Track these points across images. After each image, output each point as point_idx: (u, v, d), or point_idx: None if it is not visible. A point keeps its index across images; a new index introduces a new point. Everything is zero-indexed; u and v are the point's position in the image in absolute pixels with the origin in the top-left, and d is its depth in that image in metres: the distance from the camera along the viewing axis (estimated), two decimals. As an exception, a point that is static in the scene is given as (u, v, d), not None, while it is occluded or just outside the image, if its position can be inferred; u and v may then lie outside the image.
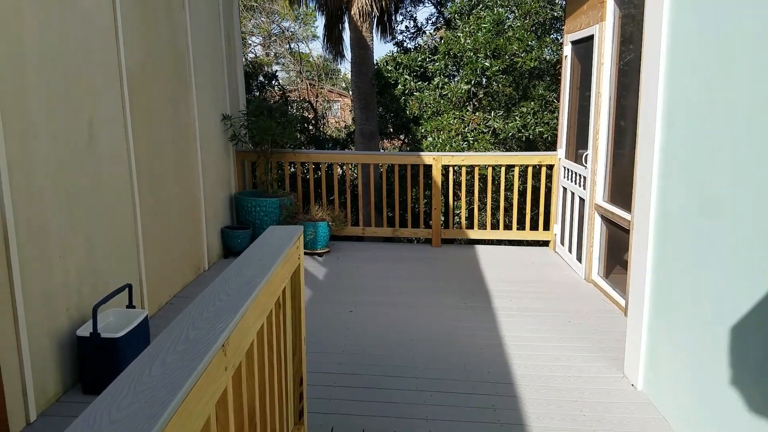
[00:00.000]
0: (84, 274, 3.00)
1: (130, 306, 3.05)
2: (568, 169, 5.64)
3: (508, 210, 6.63)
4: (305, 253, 5.57)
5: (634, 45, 4.45)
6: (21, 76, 2.58)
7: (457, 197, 7.02)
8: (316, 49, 26.72)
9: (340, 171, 8.32)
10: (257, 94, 9.35)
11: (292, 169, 6.38)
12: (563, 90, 5.75)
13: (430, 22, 10.06)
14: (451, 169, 6.04)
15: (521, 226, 6.21)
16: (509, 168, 6.50)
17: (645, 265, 3.08)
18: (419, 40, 9.52)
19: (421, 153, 6.01)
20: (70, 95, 2.95)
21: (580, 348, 3.59)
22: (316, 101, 13.03)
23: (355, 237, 6.27)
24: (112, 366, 2.64)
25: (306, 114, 10.93)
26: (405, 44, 9.39)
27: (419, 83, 7.54)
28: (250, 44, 18.24)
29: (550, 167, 6.04)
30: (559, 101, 5.57)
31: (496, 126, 6.93)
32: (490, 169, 6.03)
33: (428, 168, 6.09)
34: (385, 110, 8.88)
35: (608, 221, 4.68)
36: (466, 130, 6.89)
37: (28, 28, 2.63)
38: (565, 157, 5.79)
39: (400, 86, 7.62)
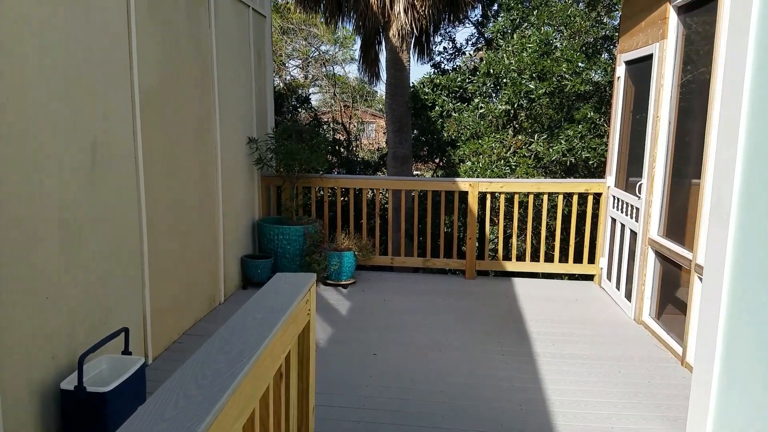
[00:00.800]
0: (78, 316, 2.79)
1: (126, 352, 2.83)
2: (617, 199, 5.22)
3: (549, 240, 6.21)
4: (329, 284, 5.31)
5: (698, 65, 4.05)
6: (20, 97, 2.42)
7: (493, 224, 6.64)
8: (353, 71, 26.92)
9: (370, 195, 8.08)
10: (289, 116, 9.28)
11: (321, 194, 6.16)
12: (614, 113, 5.36)
13: (469, 42, 9.84)
14: (488, 195, 5.70)
15: (563, 258, 5.78)
16: (551, 195, 6.11)
17: (717, 317, 2.65)
18: (458, 62, 9.29)
19: (457, 179, 5.70)
20: (74, 117, 2.80)
21: (633, 405, 3.16)
22: (350, 123, 12.93)
23: (383, 267, 5.98)
24: (99, 424, 2.40)
25: (338, 136, 10.82)
26: (443, 66, 9.19)
27: (457, 104, 7.27)
28: (288, 67, 18.52)
29: (597, 196, 5.62)
30: (608, 125, 5.17)
31: (539, 150, 6.56)
32: (531, 197, 5.65)
33: (464, 194, 5.77)
34: (420, 133, 8.63)
35: (663, 258, 4.24)
36: (507, 154, 6.54)
37: (31, 42, 2.48)
38: (615, 186, 5.37)
39: (437, 108, 7.37)
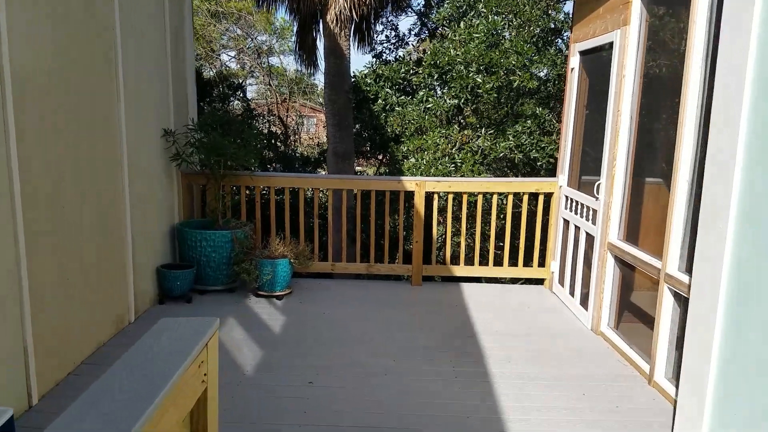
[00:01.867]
0: None
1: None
2: (570, 199, 4.95)
3: (498, 243, 5.91)
4: (261, 296, 4.75)
5: (665, 55, 3.79)
6: None
7: (440, 228, 6.29)
8: (292, 63, 26.04)
9: (309, 194, 7.56)
10: (220, 107, 8.55)
11: (253, 194, 5.55)
12: (567, 107, 5.08)
13: (412, 32, 9.45)
14: (435, 196, 5.30)
15: (513, 261, 5.48)
16: (501, 195, 5.80)
17: (710, 346, 2.33)
18: (400, 52, 8.88)
19: (403, 178, 5.28)
20: None
21: (604, 437, 2.83)
22: (287, 116, 12.27)
23: (323, 274, 5.46)
24: None
25: (275, 129, 10.15)
26: (384, 56, 8.75)
27: (402, 98, 6.85)
28: (222, 57, 17.57)
29: (548, 196, 5.34)
30: (558, 122, 4.87)
31: (485, 146, 6.24)
32: (480, 197, 5.31)
33: (410, 194, 5.36)
34: (362, 127, 8.16)
35: (624, 264, 3.98)
36: (453, 150, 6.18)
37: None
38: (567, 185, 5.11)
39: (380, 101, 6.91)
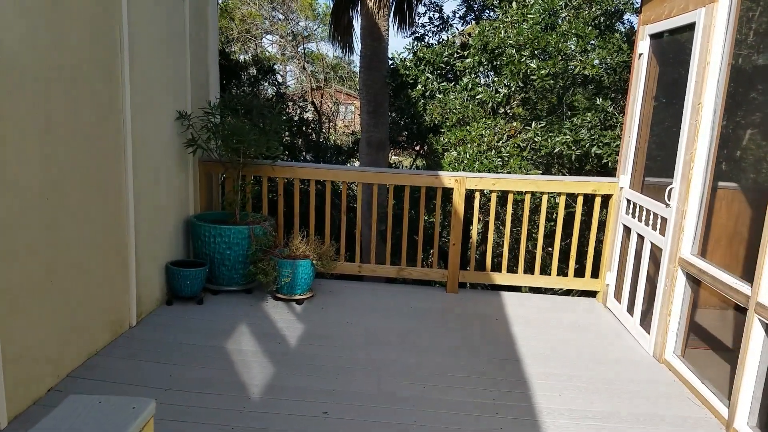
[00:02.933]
0: None
1: None
2: (633, 203, 4.37)
3: (546, 249, 5.35)
4: (280, 299, 4.38)
5: (763, 38, 3.17)
6: None
7: (482, 229, 5.78)
8: (333, 50, 25.62)
9: (337, 186, 7.12)
10: (249, 91, 8.22)
11: (276, 185, 5.15)
12: (632, 99, 4.48)
13: (457, 15, 8.86)
14: (477, 193, 4.79)
15: (562, 270, 4.94)
16: (552, 195, 5.23)
17: None
18: (444, 36, 8.33)
19: (441, 173, 4.79)
20: None
21: None
22: (321, 102, 11.88)
23: (349, 276, 5.05)
24: None
25: (307, 116, 9.76)
26: (427, 39, 8.21)
27: (443, 84, 6.31)
28: (266, 43, 17.33)
29: (606, 198, 4.76)
30: (624, 114, 4.29)
31: (536, 140, 5.66)
32: (528, 197, 4.77)
33: (448, 191, 4.87)
34: (399, 115, 7.67)
35: (698, 283, 3.40)
36: (500, 144, 5.63)
37: None
38: (630, 187, 4.52)
39: (419, 86, 6.40)
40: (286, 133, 8.35)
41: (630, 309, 4.32)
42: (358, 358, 3.53)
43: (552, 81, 5.46)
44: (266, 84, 9.88)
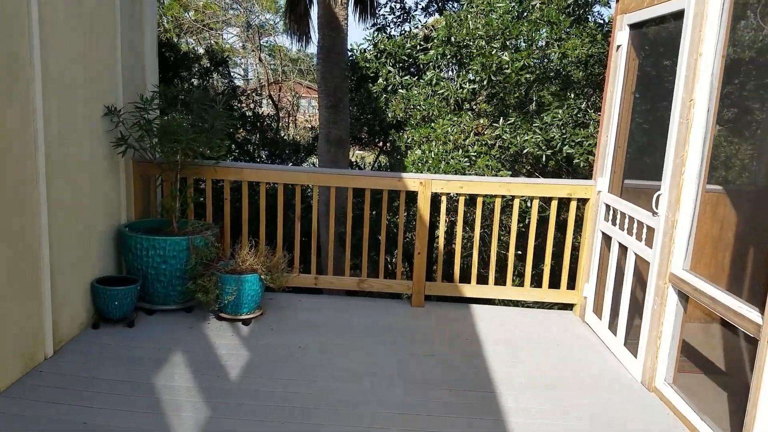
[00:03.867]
0: None
1: None
2: (614, 209, 4.01)
3: (518, 256, 4.97)
4: (224, 319, 3.84)
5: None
6: None
7: (449, 236, 5.36)
8: (291, 43, 24.89)
9: (290, 188, 6.55)
10: (199, 83, 7.57)
11: (222, 187, 4.57)
12: (610, 95, 4.12)
13: (419, 6, 8.40)
14: (444, 197, 4.35)
15: (536, 281, 4.56)
16: (524, 199, 4.84)
17: None
18: (406, 27, 7.87)
19: (404, 175, 4.33)
20: None
21: None
22: (279, 96, 11.25)
23: (304, 289, 4.53)
24: None
25: (262, 111, 9.13)
26: (389, 31, 7.73)
27: (406, 78, 5.85)
28: (227, 36, 16.60)
29: (582, 202, 4.40)
30: (601, 112, 3.91)
31: (506, 137, 5.26)
32: (498, 201, 4.36)
33: (412, 195, 4.42)
34: (360, 110, 7.19)
35: (689, 302, 3.05)
36: (466, 142, 5.21)
37: None
38: (609, 191, 4.16)
39: (381, 80, 5.92)
40: (240, 130, 7.76)
41: (612, 326, 3.96)
42: (311, 394, 3.04)
43: (528, 75, 5.05)
44: (218, 77, 9.23)
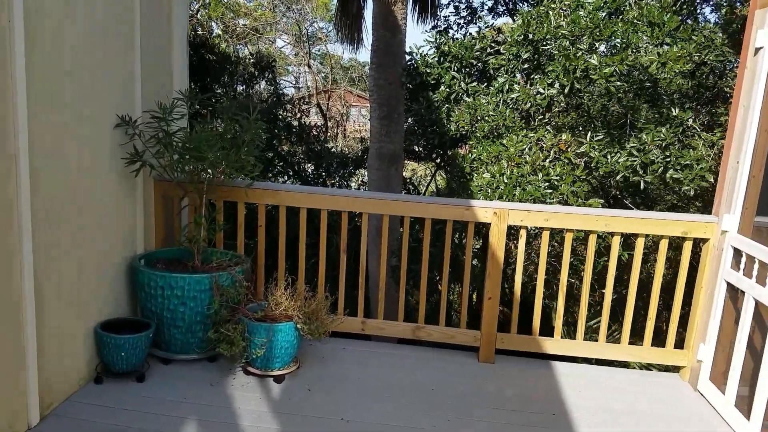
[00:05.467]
0: None
1: None
2: (746, 255, 3.16)
3: (615, 306, 4.10)
4: (252, 374, 3.22)
5: None
6: None
7: (528, 279, 4.56)
8: (343, 50, 24.74)
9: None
10: (243, 91, 7.06)
11: (258, 214, 3.94)
12: (743, 111, 3.27)
13: (486, 7, 7.65)
14: (523, 231, 3.58)
15: (636, 336, 3.70)
16: (625, 237, 3.99)
17: None
18: (471, 30, 7.14)
19: (474, 203, 3.59)
20: None
21: None
22: (328, 105, 10.70)
23: (350, 334, 3.84)
24: None
25: (308, 121, 8.57)
26: (451, 33, 7.02)
27: (473, 85, 5.10)
28: (280, 44, 16.51)
29: (699, 242, 3.53)
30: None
31: (594, 155, 4.43)
32: (593, 238, 3.54)
33: (482, 227, 3.65)
34: (416, 122, 6.49)
35: None
36: (546, 163, 4.41)
37: None
38: (739, 232, 3.29)
39: (443, 87, 5.19)
40: (284, 141, 7.22)
41: (741, 404, 3.07)
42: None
43: (619, 82, 4.22)
44: (266, 84, 8.76)
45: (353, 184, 9.47)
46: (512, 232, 3.67)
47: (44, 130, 2.61)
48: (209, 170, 3.17)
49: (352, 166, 8.40)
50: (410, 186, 7.38)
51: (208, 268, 3.35)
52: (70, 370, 2.94)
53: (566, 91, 4.34)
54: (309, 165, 7.83)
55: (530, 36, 4.70)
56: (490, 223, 3.55)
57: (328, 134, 9.67)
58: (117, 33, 3.18)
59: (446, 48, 5.27)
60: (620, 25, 4.25)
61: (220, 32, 12.47)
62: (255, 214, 3.82)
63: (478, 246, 6.41)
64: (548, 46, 4.59)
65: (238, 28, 14.05)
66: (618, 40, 4.26)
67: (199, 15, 9.81)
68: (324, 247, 3.79)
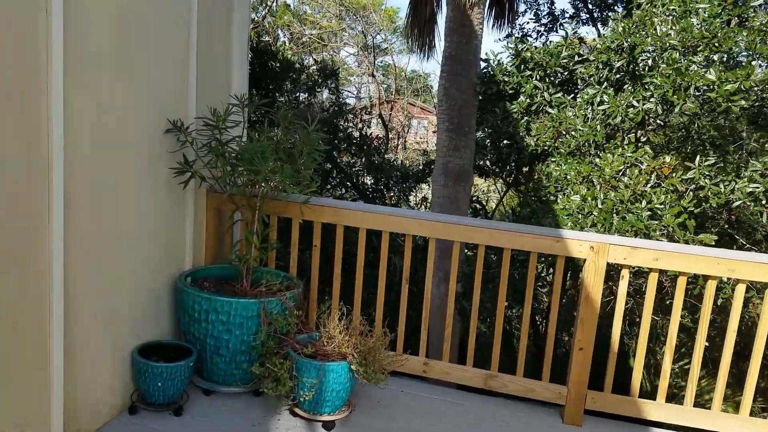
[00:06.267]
0: None
1: None
2: None
3: (736, 363, 3.46)
4: (299, 416, 2.84)
5: None
6: None
7: (630, 326, 3.97)
8: (412, 62, 24.73)
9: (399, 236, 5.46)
10: (305, 98, 6.80)
11: (313, 232, 3.58)
12: None
13: (566, 14, 7.09)
14: (625, 271, 3.03)
15: (760, 402, 3.05)
16: (754, 285, 3.36)
17: None
18: (552, 38, 6.61)
19: (566, 234, 3.09)
20: None
21: None
22: (390, 116, 10.36)
23: (410, 374, 3.39)
24: None
25: (370, 132, 8.23)
26: (528, 41, 6.50)
27: (558, 96, 4.59)
28: (344, 54, 16.61)
29: None
30: None
31: (704, 183, 3.81)
32: (712, 284, 2.95)
33: (572, 262, 3.13)
34: (489, 135, 6.01)
35: None
36: (647, 188, 3.82)
37: None
38: None
39: (522, 98, 4.70)
40: (344, 153, 6.92)
41: None
42: None
43: (743, 102, 3.60)
44: (329, 93, 8.51)
45: (412, 199, 9.05)
46: (614, 272, 3.12)
47: (85, 121, 2.35)
48: (263, 184, 2.82)
49: (412, 180, 7.98)
50: (476, 204, 6.89)
51: (257, 293, 3.00)
52: (101, 398, 2.66)
53: (677, 109, 3.75)
54: (368, 178, 7.48)
55: (625, 43, 4.14)
56: (585, 259, 3.03)
57: (389, 146, 9.31)
58: (173, 31, 2.91)
59: (528, 54, 4.78)
60: (745, 34, 3.63)
61: (286, 40, 12.46)
62: (310, 230, 3.47)
63: (544, 275, 5.82)
64: (649, 56, 4.02)
65: (303, 37, 14.05)
66: (743, 52, 3.65)
67: (265, 21, 9.74)
68: (384, 273, 3.38)
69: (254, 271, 3.19)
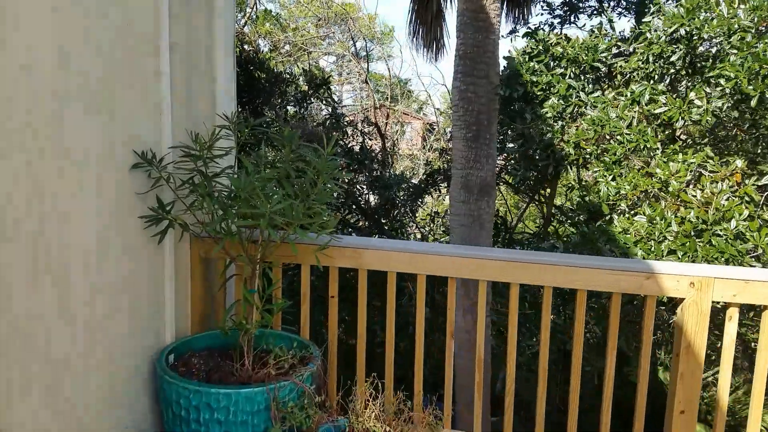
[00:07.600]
0: None
1: None
2: None
3: None
4: None
5: None
6: None
7: (740, 384, 3.32)
8: (394, 66, 24.50)
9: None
10: (298, 112, 6.11)
11: (329, 282, 2.88)
12: None
13: (587, 2, 6.46)
14: (733, 310, 2.39)
15: None
16: None
17: None
18: (567, 31, 5.99)
19: (659, 267, 2.43)
20: None
21: None
22: (386, 124, 9.70)
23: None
24: None
25: (369, 144, 7.52)
26: (540, 35, 5.88)
27: (597, 95, 3.95)
28: (324, 64, 16.25)
29: None
30: None
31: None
32: None
33: (663, 302, 2.46)
34: (512, 142, 5.34)
35: None
36: (725, 201, 3.19)
37: None
38: None
39: (554, 99, 4.06)
40: (344, 169, 6.27)
41: None
42: None
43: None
44: (319, 102, 7.84)
45: (419, 214, 8.40)
46: (719, 314, 2.48)
47: (19, 176, 1.66)
48: (267, 230, 2.14)
49: (418, 195, 7.30)
50: (497, 220, 6.19)
51: (264, 375, 2.29)
52: None
53: (754, 102, 3.14)
54: (372, 195, 6.80)
55: (682, 31, 3.53)
56: (683, 299, 2.37)
57: (387, 158, 8.66)
58: (144, 51, 2.23)
59: (560, 49, 4.14)
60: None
61: (268, 49, 11.82)
62: (324, 276, 2.79)
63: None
64: (714, 45, 3.41)
65: (286, 46, 13.45)
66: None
67: (245, 29, 9.06)
68: (421, 330, 2.70)
69: (257, 335, 2.49)
